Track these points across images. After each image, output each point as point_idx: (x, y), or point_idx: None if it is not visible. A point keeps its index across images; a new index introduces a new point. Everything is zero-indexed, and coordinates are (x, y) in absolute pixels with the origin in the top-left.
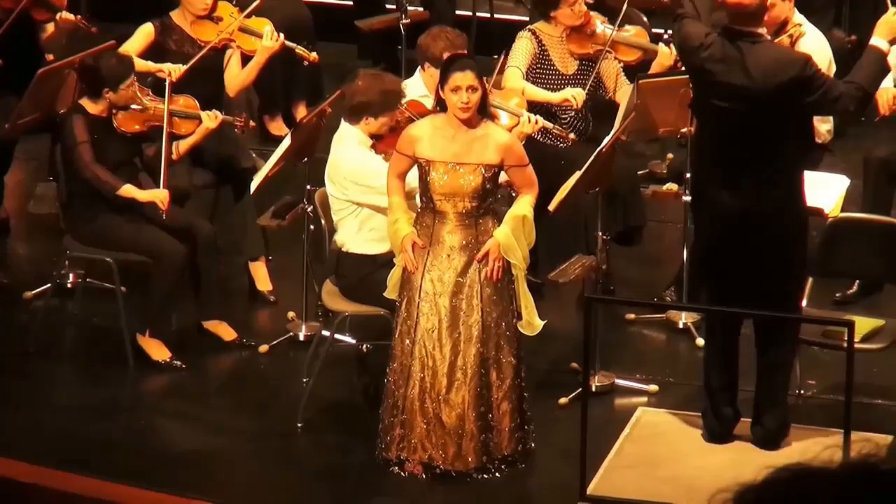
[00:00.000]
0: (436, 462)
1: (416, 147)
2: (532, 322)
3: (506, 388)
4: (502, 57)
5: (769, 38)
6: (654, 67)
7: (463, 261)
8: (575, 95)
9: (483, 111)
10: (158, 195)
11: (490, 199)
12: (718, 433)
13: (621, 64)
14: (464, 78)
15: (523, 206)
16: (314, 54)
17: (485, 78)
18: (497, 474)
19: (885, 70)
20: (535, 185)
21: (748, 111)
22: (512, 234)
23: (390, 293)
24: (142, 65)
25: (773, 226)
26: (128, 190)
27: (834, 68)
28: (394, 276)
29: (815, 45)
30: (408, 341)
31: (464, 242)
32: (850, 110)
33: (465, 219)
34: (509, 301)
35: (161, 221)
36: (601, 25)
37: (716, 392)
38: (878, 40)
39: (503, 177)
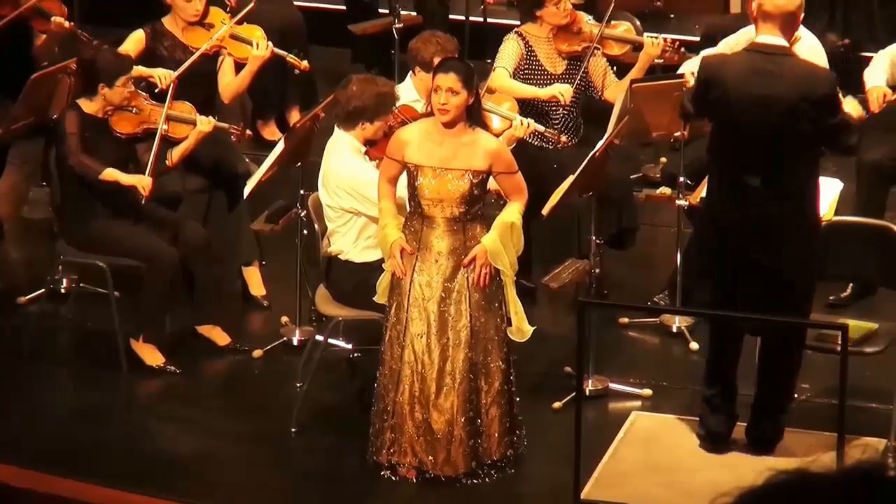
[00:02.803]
0: (425, 467)
1: (404, 151)
2: (521, 328)
3: (494, 394)
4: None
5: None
6: (642, 59)
7: (451, 266)
8: (563, 92)
9: (473, 117)
10: (142, 181)
11: (478, 205)
12: (717, 439)
13: (614, 68)
14: (445, 79)
15: (512, 213)
16: (305, 63)
17: (483, 89)
18: (486, 479)
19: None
20: (524, 193)
21: (775, 122)
22: (499, 241)
23: (379, 298)
24: (135, 70)
25: (787, 236)
26: (111, 173)
27: None
28: (383, 282)
29: (811, 50)
30: (397, 346)
31: (452, 248)
32: (853, 144)
33: (454, 224)
34: (498, 306)
35: (153, 226)
36: (588, 23)
37: (713, 398)
38: (849, 110)
39: (493, 185)
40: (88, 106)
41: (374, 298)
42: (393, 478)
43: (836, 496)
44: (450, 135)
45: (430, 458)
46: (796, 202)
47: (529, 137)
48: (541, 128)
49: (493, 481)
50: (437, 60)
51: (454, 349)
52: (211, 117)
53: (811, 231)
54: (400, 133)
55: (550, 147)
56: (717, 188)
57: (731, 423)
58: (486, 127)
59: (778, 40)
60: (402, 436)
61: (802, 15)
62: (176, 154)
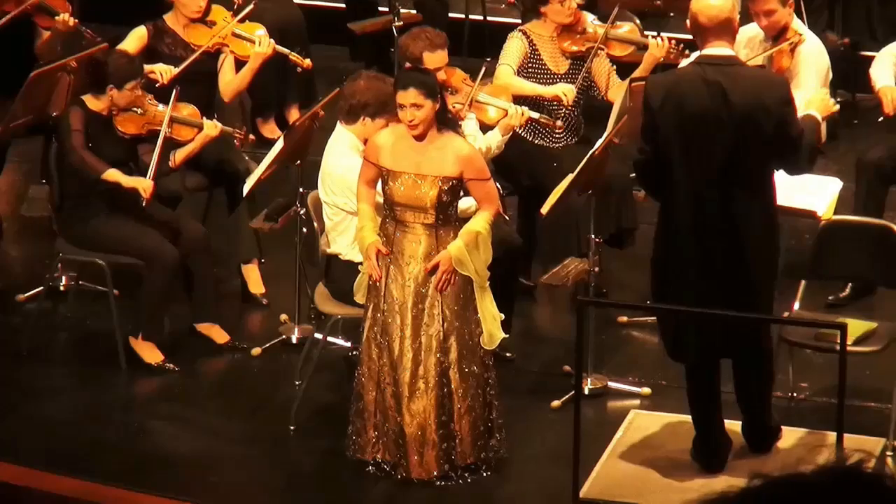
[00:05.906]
0: (399, 469)
1: (379, 155)
2: (493, 333)
3: (469, 398)
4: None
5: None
6: (646, 60)
7: (424, 271)
8: (566, 92)
9: (441, 121)
10: (142, 184)
11: (451, 211)
12: (712, 466)
13: (615, 66)
14: (406, 96)
15: (479, 222)
16: (308, 60)
17: (477, 80)
18: (460, 482)
19: (817, 137)
20: (496, 201)
21: (732, 131)
22: (465, 248)
23: (358, 298)
24: None
25: (748, 243)
26: (112, 174)
27: (831, 75)
28: (361, 283)
29: (815, 52)
30: (375, 346)
31: (425, 252)
32: (800, 156)
33: (426, 229)
34: (473, 311)
35: (152, 224)
36: (592, 23)
37: (703, 422)
38: (813, 112)
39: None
40: (94, 103)
41: (355, 298)
42: (379, 474)
43: (813, 497)
44: (423, 140)
45: (403, 461)
46: (755, 210)
47: (528, 132)
48: (535, 115)
49: (489, 480)
50: (426, 56)
51: (426, 354)
52: (216, 121)
53: (772, 236)
54: (375, 137)
55: (548, 144)
56: (671, 207)
57: (724, 452)
58: (457, 129)
59: (724, 50)
60: (384, 435)
61: (738, 17)
62: (179, 156)
